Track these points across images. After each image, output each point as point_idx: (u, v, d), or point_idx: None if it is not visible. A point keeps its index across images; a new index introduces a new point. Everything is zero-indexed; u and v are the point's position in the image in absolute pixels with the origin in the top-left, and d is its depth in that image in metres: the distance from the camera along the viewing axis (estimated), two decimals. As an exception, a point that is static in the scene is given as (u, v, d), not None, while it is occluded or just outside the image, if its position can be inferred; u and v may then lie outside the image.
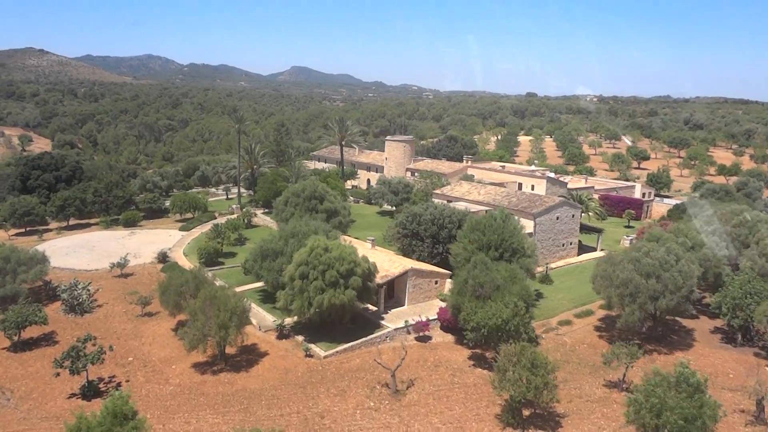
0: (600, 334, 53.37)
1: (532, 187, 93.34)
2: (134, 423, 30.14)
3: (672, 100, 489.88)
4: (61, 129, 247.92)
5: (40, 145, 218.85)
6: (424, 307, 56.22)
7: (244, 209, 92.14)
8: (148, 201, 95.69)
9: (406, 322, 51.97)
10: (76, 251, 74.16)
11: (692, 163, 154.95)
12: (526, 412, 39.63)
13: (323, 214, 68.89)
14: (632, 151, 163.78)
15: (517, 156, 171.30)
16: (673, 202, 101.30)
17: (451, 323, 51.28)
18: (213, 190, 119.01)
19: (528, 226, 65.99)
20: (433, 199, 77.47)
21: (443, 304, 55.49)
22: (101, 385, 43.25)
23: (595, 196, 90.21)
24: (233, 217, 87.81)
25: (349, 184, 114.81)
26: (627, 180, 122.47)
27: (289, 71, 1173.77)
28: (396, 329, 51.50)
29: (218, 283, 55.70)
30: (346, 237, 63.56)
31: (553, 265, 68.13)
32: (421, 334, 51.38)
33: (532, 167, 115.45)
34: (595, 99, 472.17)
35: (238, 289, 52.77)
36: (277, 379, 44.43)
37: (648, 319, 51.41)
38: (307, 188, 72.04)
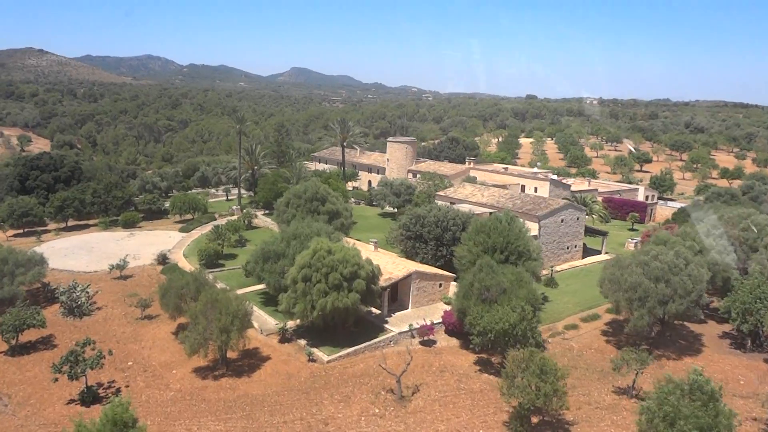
0: (607, 339, 52.55)
1: (535, 189, 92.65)
2: (134, 431, 29.19)
3: (672, 103, 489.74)
4: (61, 129, 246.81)
5: (39, 145, 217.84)
6: (428, 311, 55.38)
7: (244, 210, 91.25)
8: (147, 202, 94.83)
9: (411, 325, 51.13)
10: (74, 252, 73.26)
11: (694, 166, 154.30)
12: (534, 420, 38.82)
13: (325, 216, 68.07)
14: (634, 155, 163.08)
15: (519, 158, 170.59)
16: (676, 205, 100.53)
17: (456, 327, 50.47)
18: (213, 191, 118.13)
19: (532, 228, 65.15)
20: (436, 201, 76.65)
21: (447, 308, 54.68)
22: (100, 391, 42.33)
23: (599, 199, 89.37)
24: (234, 218, 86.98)
25: (350, 185, 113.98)
26: (630, 183, 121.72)
27: (288, 72, 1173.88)
28: (400, 333, 50.64)
29: (219, 285, 54.88)
30: (348, 239, 62.74)
31: (557, 268, 67.32)
32: (425, 338, 50.52)
33: (535, 169, 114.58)
34: (595, 102, 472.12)
35: (239, 292, 51.83)
36: (280, 384, 43.55)
37: (656, 324, 50.63)
38: (308, 189, 71.22)
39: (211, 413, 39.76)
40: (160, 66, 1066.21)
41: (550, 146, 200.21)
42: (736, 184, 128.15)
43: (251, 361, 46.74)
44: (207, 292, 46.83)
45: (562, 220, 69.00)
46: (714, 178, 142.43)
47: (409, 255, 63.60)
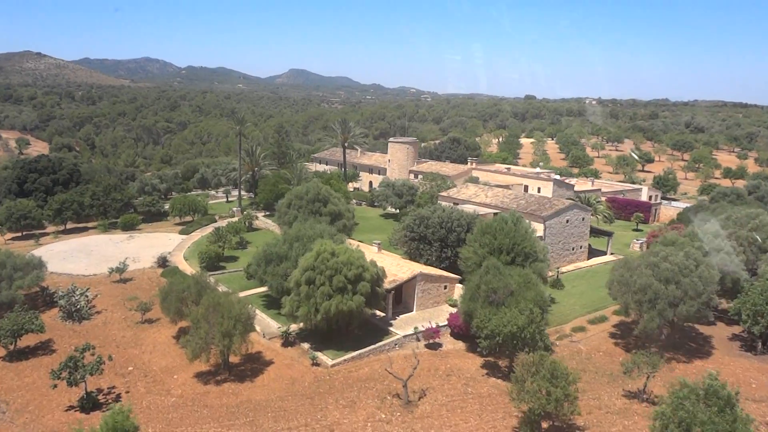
0: (616, 341, 51.69)
1: (539, 190, 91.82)
2: (136, 440, 28.33)
3: (671, 102, 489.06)
4: (59, 132, 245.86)
5: (38, 148, 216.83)
6: (433, 313, 54.50)
7: (245, 212, 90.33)
8: (146, 204, 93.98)
9: (416, 328, 50.25)
10: (73, 256, 72.34)
11: (696, 166, 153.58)
12: (544, 425, 37.96)
13: (327, 217, 67.17)
14: (635, 160, 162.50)
15: (520, 158, 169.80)
16: (681, 205, 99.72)
17: (462, 330, 49.63)
18: (213, 192, 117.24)
19: (537, 229, 64.31)
20: (439, 202, 75.82)
21: (453, 310, 53.87)
22: (100, 397, 41.39)
23: (603, 199, 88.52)
24: (234, 220, 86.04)
25: (350, 186, 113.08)
26: (633, 183, 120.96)
27: (287, 74, 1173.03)
28: (405, 336, 49.75)
29: (221, 288, 53.98)
30: (351, 240, 61.86)
31: (563, 270, 66.47)
32: (431, 341, 49.61)
33: (537, 169, 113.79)
34: (594, 101, 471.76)
35: (240, 295, 50.93)
36: (284, 389, 42.64)
37: (665, 326, 49.75)
38: (310, 190, 70.34)
39: (214, 419, 38.86)
40: (158, 68, 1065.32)
41: (551, 146, 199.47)
42: (739, 184, 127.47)
43: (254, 366, 45.84)
44: (209, 296, 45.90)
45: (567, 221, 68.17)
46: (716, 178, 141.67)
47: (413, 257, 62.75)
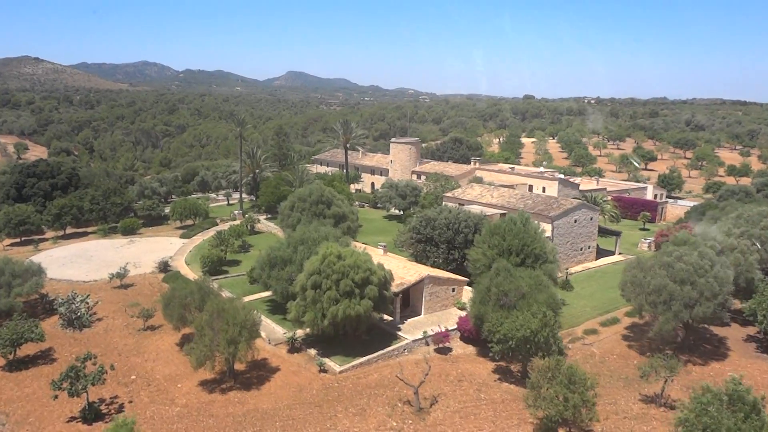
0: (629, 344, 50.53)
1: (543, 189, 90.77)
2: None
3: (670, 101, 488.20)
4: (57, 136, 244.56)
5: (36, 152, 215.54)
6: (441, 317, 53.38)
7: (246, 215, 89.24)
8: (146, 208, 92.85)
9: (425, 332, 49.09)
10: (73, 261, 71.15)
11: (700, 164, 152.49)
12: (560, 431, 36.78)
13: (331, 220, 66.06)
14: (639, 152, 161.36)
15: (522, 158, 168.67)
16: (687, 203, 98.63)
17: (472, 334, 48.47)
18: (213, 195, 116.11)
19: (545, 229, 63.13)
20: (444, 203, 74.71)
21: (461, 313, 52.77)
22: (103, 407, 40.15)
23: (609, 198, 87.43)
24: (236, 223, 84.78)
25: (352, 187, 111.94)
26: (637, 181, 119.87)
27: (285, 76, 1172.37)
28: (414, 341, 48.60)
29: (225, 294, 52.85)
30: (357, 243, 60.67)
31: (571, 270, 65.32)
32: (440, 345, 48.44)
33: (541, 169, 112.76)
34: (593, 101, 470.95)
35: (244, 299, 49.70)
36: (291, 397, 41.45)
37: (680, 328, 48.61)
38: (313, 192, 69.20)
39: (220, 429, 37.67)
40: (156, 72, 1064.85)
41: (553, 145, 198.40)
42: (744, 181, 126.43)
43: (260, 373, 44.65)
44: (213, 302, 44.75)
45: (575, 221, 67.05)
46: (720, 176, 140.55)
47: (419, 259, 61.62)
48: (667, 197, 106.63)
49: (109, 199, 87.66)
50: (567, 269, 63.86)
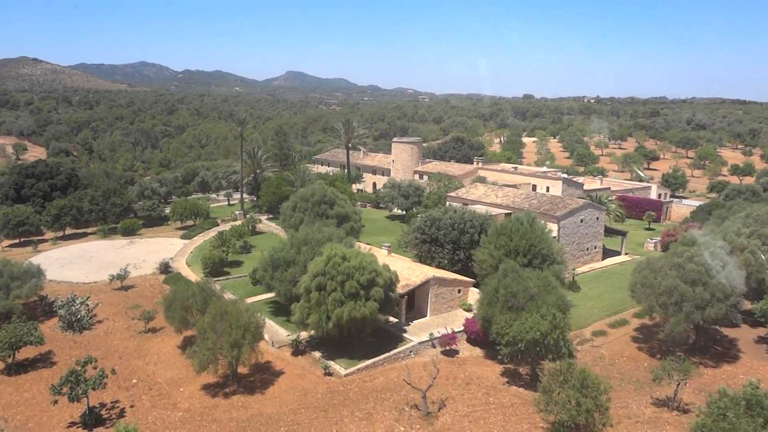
0: (639, 346, 49.70)
1: (547, 189, 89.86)
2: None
3: (669, 100, 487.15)
4: (56, 137, 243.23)
5: (35, 153, 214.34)
6: (447, 318, 52.54)
7: (248, 215, 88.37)
8: (147, 208, 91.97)
9: (431, 335, 48.26)
10: (73, 262, 70.26)
11: (702, 163, 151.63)
12: (572, 436, 35.91)
13: (334, 220, 65.26)
14: (641, 152, 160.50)
15: (524, 158, 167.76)
16: (692, 203, 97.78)
17: (479, 336, 47.63)
18: (214, 196, 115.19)
19: (551, 229, 62.28)
20: (448, 203, 73.86)
21: (467, 315, 51.97)
22: (104, 412, 39.24)
23: (613, 198, 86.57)
24: (237, 223, 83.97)
25: (354, 187, 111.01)
26: (640, 180, 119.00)
27: (284, 76, 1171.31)
28: (420, 343, 47.75)
29: (227, 295, 51.98)
30: (361, 243, 59.80)
31: (578, 271, 64.46)
32: (447, 347, 47.58)
33: (544, 168, 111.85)
34: (592, 100, 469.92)
35: (247, 301, 48.81)
36: (296, 401, 40.58)
37: (690, 330, 47.76)
38: (316, 192, 68.38)
39: (224, 435, 36.82)
40: (155, 72, 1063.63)
41: (554, 145, 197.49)
42: (747, 181, 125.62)
43: (264, 377, 43.78)
44: (215, 304, 43.87)
45: (581, 221, 66.21)
46: (724, 175, 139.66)
47: (424, 259, 60.73)
48: (671, 197, 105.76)
49: (108, 200, 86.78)
50: (574, 270, 63.00)
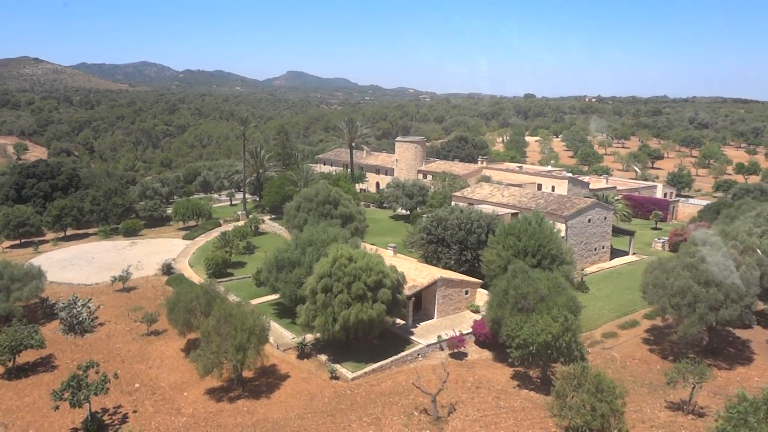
0: (650, 348, 48.79)
1: (553, 188, 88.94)
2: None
3: (670, 99, 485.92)
4: (57, 137, 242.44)
5: (36, 153, 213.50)
6: (454, 320, 51.65)
7: (250, 215, 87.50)
8: (148, 208, 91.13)
9: (439, 337, 47.38)
10: (74, 264, 69.44)
11: (707, 162, 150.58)
12: (586, 441, 35.01)
13: (338, 220, 64.33)
14: (645, 150, 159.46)
15: (527, 157, 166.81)
16: (698, 202, 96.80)
17: (488, 338, 46.75)
18: (216, 196, 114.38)
19: (560, 229, 61.41)
20: (453, 203, 72.95)
21: (475, 316, 51.12)
22: (106, 418, 38.36)
23: (620, 197, 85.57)
24: (240, 224, 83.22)
25: (357, 187, 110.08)
26: (645, 180, 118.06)
27: (284, 76, 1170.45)
28: (428, 345, 46.88)
29: (231, 297, 51.15)
30: (367, 244, 58.90)
31: (586, 271, 63.51)
32: (455, 350, 46.70)
33: (549, 167, 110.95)
34: (593, 99, 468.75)
35: (251, 303, 47.99)
36: (302, 406, 39.72)
37: (703, 331, 46.86)
38: (320, 192, 67.47)
39: (229, 441, 35.98)
40: (155, 72, 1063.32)
41: (557, 144, 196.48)
42: (753, 180, 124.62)
43: (269, 380, 42.93)
44: (220, 306, 42.99)
45: (589, 220, 65.31)
46: (729, 174, 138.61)
47: (430, 260, 59.87)
48: (677, 196, 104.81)
49: (110, 200, 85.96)
50: (582, 270, 62.10)
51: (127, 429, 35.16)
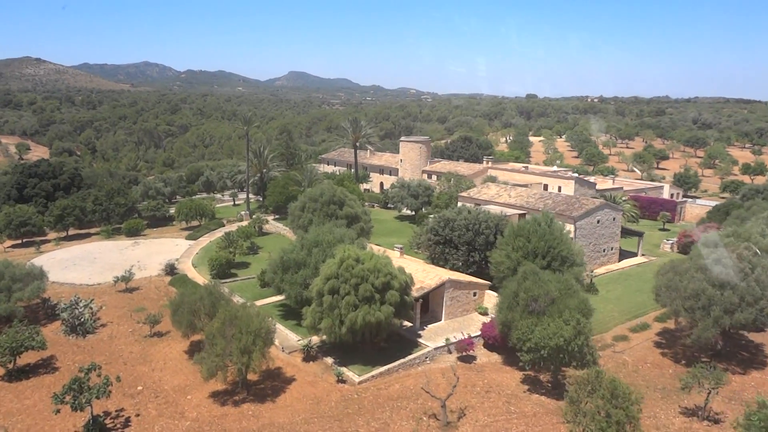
0: (662, 351, 47.84)
1: (559, 189, 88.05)
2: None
3: (673, 100, 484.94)
4: (59, 136, 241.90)
5: (38, 153, 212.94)
6: (462, 322, 50.78)
7: (254, 216, 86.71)
8: (151, 208, 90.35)
9: (447, 340, 46.51)
10: (76, 264, 68.67)
11: (712, 162, 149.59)
12: (601, 448, 34.09)
13: (343, 220, 63.54)
14: (650, 151, 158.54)
15: (531, 157, 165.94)
16: (706, 203, 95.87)
17: (497, 341, 45.89)
18: (219, 196, 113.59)
19: (569, 230, 60.52)
20: (459, 203, 72.09)
21: (483, 319, 50.31)
22: (108, 421, 37.54)
23: (627, 198, 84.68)
24: (243, 224, 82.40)
25: (361, 187, 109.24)
26: (652, 180, 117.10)
27: (286, 76, 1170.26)
28: (436, 348, 46.01)
29: (235, 298, 50.33)
30: (373, 245, 58.08)
31: (595, 273, 62.64)
32: (464, 353, 45.83)
33: (554, 168, 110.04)
34: (596, 99, 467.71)
35: (256, 304, 47.13)
36: (308, 410, 38.87)
37: (718, 335, 45.90)
38: (325, 192, 66.67)
39: (234, 446, 35.14)
40: (157, 72, 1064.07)
41: (561, 144, 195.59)
42: (759, 180, 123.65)
43: (274, 384, 42.08)
44: (224, 308, 42.18)
45: (598, 221, 64.43)
46: (735, 175, 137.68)
47: (437, 261, 59.00)
48: (683, 196, 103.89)
49: (112, 200, 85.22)
50: (592, 271, 61.22)
51: (129, 434, 34.33)
